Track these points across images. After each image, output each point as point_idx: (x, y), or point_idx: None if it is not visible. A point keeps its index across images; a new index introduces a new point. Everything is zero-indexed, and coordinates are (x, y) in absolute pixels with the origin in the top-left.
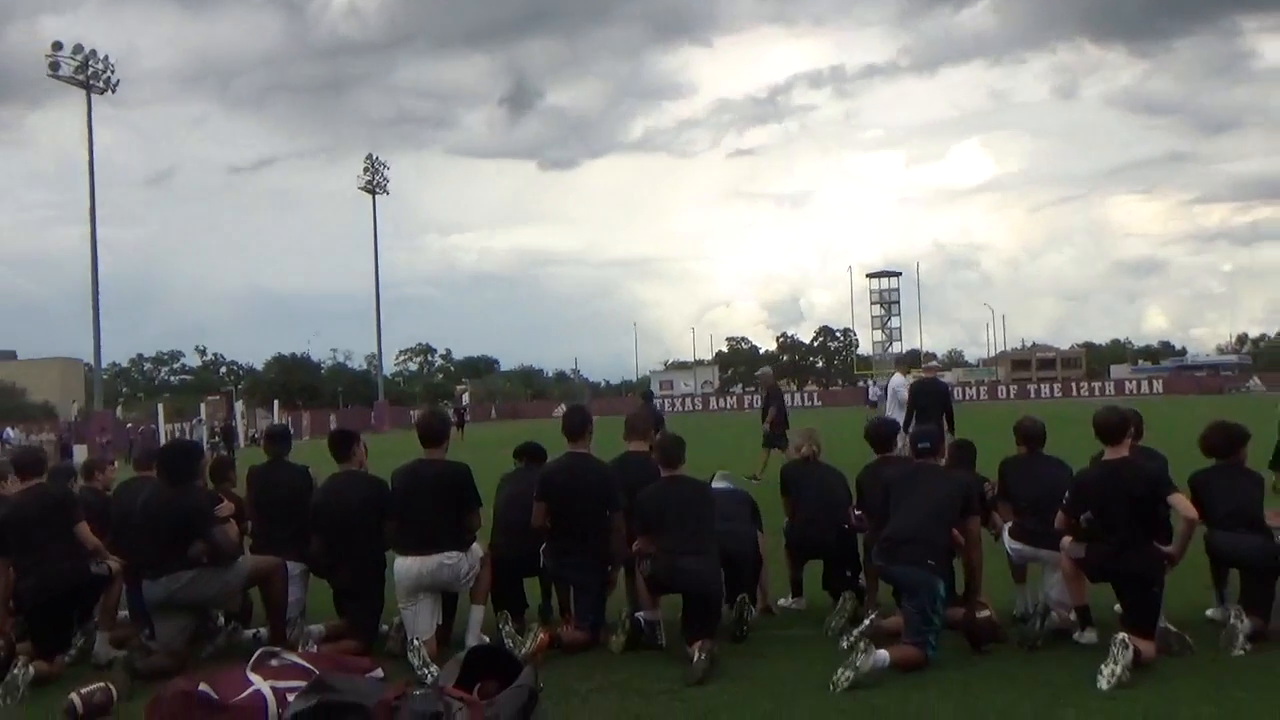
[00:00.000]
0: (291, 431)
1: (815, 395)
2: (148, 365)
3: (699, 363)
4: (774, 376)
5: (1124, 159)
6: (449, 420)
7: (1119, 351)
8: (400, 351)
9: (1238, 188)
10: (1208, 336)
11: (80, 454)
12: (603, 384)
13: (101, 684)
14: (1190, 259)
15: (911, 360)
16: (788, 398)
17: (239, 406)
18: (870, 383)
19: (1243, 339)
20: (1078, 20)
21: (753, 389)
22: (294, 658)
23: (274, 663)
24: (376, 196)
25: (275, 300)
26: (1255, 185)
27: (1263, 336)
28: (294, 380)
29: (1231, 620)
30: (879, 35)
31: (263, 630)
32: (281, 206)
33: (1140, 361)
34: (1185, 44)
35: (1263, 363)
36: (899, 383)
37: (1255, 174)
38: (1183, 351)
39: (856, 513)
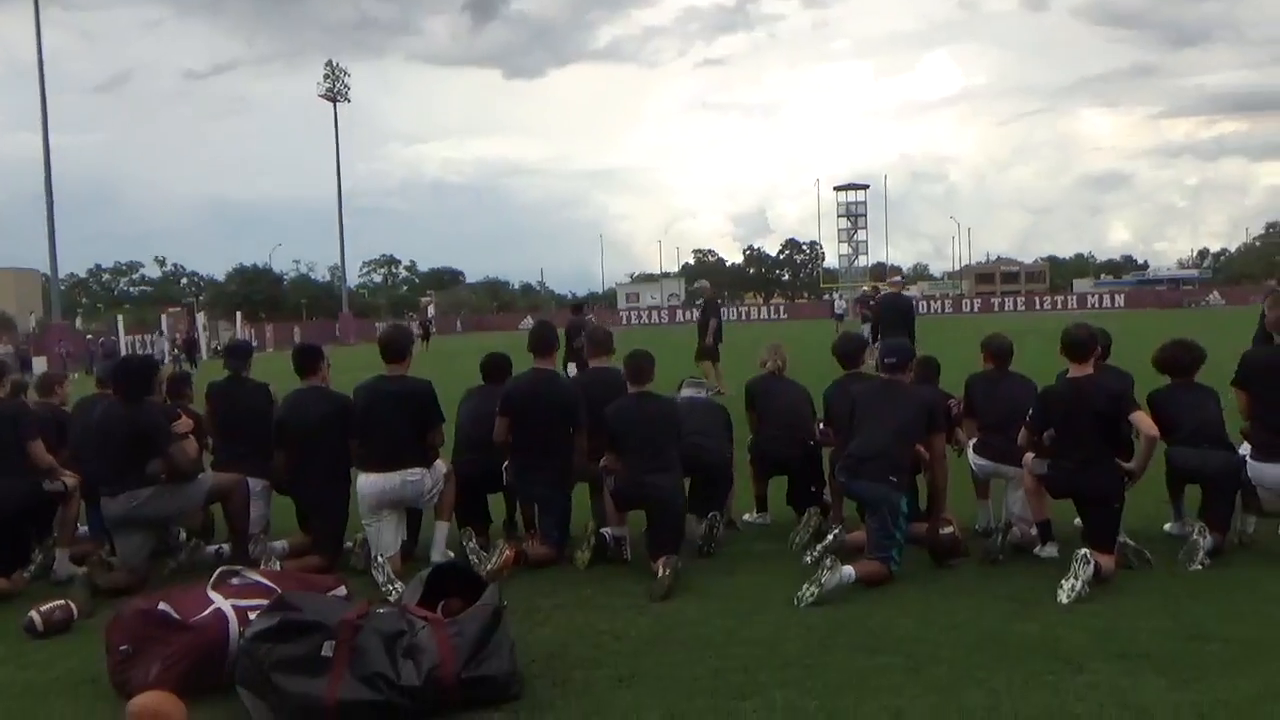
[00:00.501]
0: (254, 345)
1: (781, 309)
2: (106, 276)
3: (665, 275)
4: (712, 289)
5: (1091, 71)
6: (412, 336)
7: (1082, 265)
8: (364, 263)
9: (1204, 101)
10: (1169, 251)
11: (40, 366)
12: (569, 296)
13: (61, 601)
14: (1154, 173)
15: (878, 274)
16: (754, 310)
17: (201, 318)
18: (835, 296)
19: (1204, 254)
20: None
21: (719, 301)
22: (256, 576)
23: (235, 581)
24: (337, 104)
25: (235, 210)
26: (1221, 99)
27: (1223, 251)
28: (256, 292)
29: (1194, 535)
30: None
31: (225, 547)
32: (240, 113)
33: (1103, 275)
34: None
35: (1222, 277)
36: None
37: (1222, 87)
38: (1144, 266)
39: (821, 428)
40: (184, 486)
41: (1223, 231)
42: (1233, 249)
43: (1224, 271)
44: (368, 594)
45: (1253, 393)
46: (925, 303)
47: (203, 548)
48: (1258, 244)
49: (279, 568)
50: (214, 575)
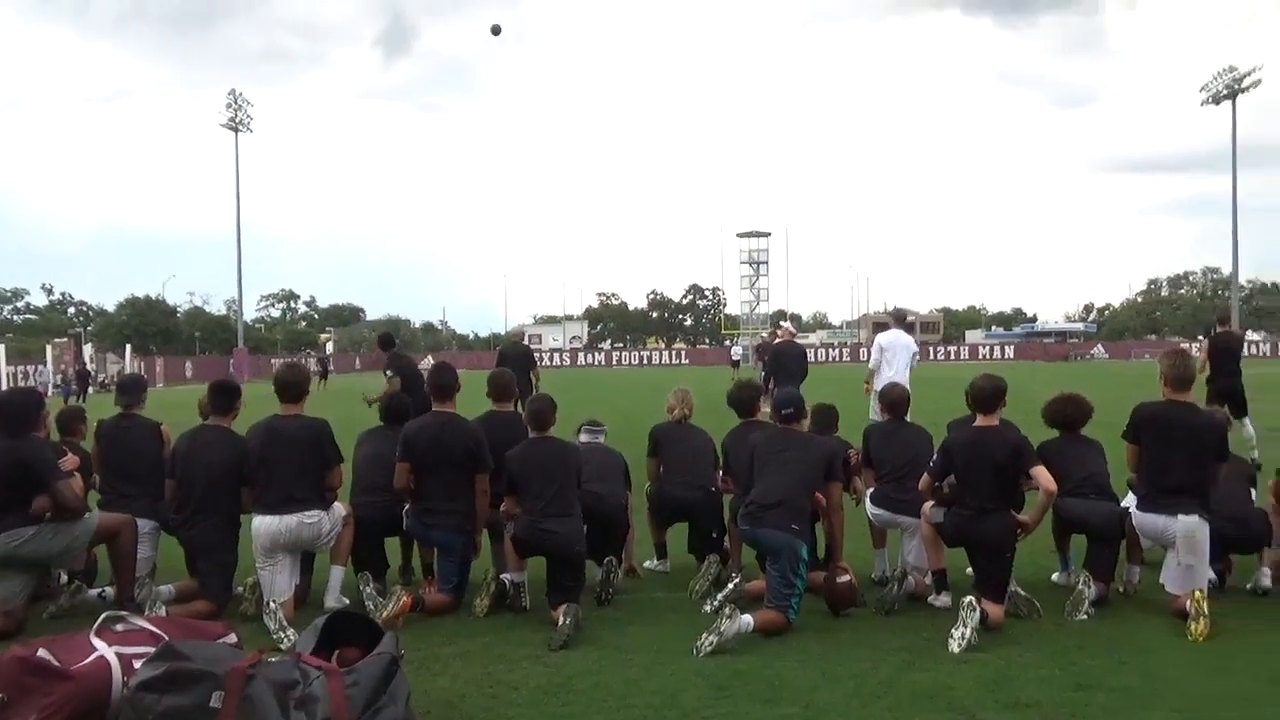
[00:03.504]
0: (146, 380)
1: (683, 353)
2: None
3: (569, 317)
4: (519, 334)
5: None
6: (308, 374)
7: (974, 317)
8: (262, 297)
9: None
10: (1057, 304)
11: None
12: (471, 336)
13: None
14: (1046, 227)
15: (779, 321)
16: (655, 355)
17: (88, 350)
18: (733, 343)
19: (1089, 308)
20: None
21: (621, 345)
22: (141, 622)
23: (119, 627)
24: (239, 134)
25: (129, 238)
26: (1112, 158)
27: (1108, 306)
28: (148, 323)
29: (1080, 586)
30: None
31: (108, 590)
32: (139, 140)
33: (994, 327)
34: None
35: (1106, 331)
36: (890, 340)
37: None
38: (1033, 319)
39: (721, 475)
40: (70, 526)
41: (1108, 287)
42: (1116, 304)
43: (1108, 325)
44: (259, 642)
45: (1143, 445)
46: (824, 350)
47: (85, 591)
48: (1139, 300)
49: (165, 613)
50: (98, 620)
